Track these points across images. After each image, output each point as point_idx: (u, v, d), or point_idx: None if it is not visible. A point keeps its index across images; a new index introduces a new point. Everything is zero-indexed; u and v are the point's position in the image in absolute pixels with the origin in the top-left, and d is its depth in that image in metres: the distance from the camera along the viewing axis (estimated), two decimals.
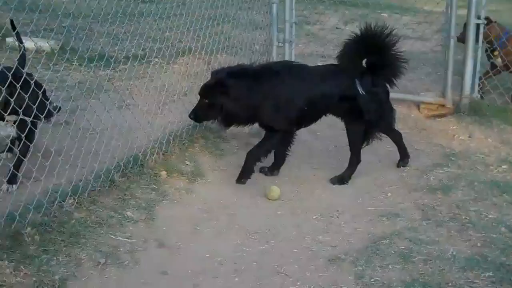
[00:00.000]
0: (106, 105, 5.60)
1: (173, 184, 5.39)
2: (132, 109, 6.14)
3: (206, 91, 5.35)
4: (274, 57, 7.65)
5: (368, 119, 5.50)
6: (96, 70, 6.78)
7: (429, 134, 6.84)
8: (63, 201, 4.66)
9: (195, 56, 7.66)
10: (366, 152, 5.89)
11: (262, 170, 5.74)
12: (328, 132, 6.62)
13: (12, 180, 4.83)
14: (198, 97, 5.46)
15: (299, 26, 10.61)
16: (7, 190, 4.80)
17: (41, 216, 4.42)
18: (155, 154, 5.54)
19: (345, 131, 5.67)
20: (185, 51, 7.62)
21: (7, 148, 5.14)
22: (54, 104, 4.73)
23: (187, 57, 7.77)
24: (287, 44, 7.67)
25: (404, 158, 5.98)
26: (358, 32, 5.45)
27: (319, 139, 6.59)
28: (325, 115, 5.71)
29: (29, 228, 4.28)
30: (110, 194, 5.00)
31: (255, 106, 5.31)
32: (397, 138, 5.96)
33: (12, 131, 4.77)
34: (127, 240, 4.57)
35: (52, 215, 4.51)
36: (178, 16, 7.42)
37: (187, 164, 5.70)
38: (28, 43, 5.62)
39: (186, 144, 5.95)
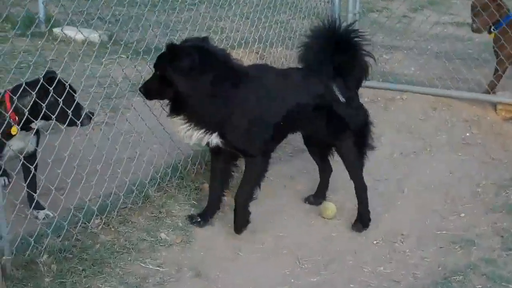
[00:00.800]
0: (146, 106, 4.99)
1: None
2: None
3: (160, 62, 4.15)
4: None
5: (355, 129, 4.56)
6: (142, 64, 6.18)
7: (506, 140, 6.02)
8: (87, 221, 4.12)
9: (249, 49, 7.06)
10: (434, 160, 5.20)
11: (307, 200, 4.96)
12: (392, 137, 5.94)
13: (38, 205, 4.27)
14: None
15: (364, 14, 9.87)
16: (45, 217, 4.24)
17: (60, 241, 3.91)
18: (197, 164, 4.94)
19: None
20: (240, 44, 6.98)
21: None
22: (87, 111, 4.15)
23: (240, 50, 7.18)
24: None
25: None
26: (322, 28, 4.61)
27: (383, 145, 5.89)
28: (292, 133, 4.71)
29: (45, 256, 3.77)
30: (143, 212, 4.45)
31: (219, 111, 4.13)
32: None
33: (33, 142, 4.21)
34: (158, 268, 4.01)
35: (74, 238, 3.99)
36: (234, 5, 6.86)
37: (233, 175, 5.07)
38: (76, 34, 5.12)
39: None
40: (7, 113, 3.94)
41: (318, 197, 4.92)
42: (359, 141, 4.60)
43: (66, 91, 4.07)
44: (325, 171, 4.90)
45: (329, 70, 4.44)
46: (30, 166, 4.02)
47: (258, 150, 4.30)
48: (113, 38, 4.87)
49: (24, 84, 3.94)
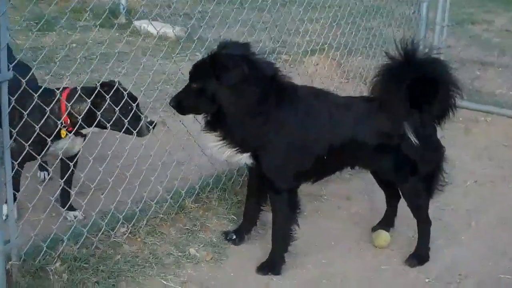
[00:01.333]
0: None
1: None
2: None
3: (196, 69, 3.76)
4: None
5: (425, 172, 4.00)
6: None
7: None
8: (111, 229, 3.84)
9: (325, 54, 6.67)
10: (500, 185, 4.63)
11: (374, 229, 4.44)
12: (469, 163, 5.40)
13: (70, 206, 4.12)
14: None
15: (460, 26, 9.28)
16: (76, 218, 4.07)
17: (78, 248, 3.63)
18: (243, 176, 4.58)
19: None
20: (320, 49, 6.57)
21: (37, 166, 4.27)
22: (149, 120, 3.93)
23: (316, 56, 6.79)
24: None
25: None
26: (402, 55, 3.89)
27: (457, 171, 5.36)
28: (340, 171, 4.22)
29: (58, 263, 3.50)
30: (176, 223, 4.15)
31: (258, 131, 3.70)
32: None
33: (79, 144, 4.00)
34: (179, 287, 3.68)
35: (93, 246, 3.71)
36: (327, 7, 6.48)
37: None
38: (150, 28, 4.88)
39: None
40: (62, 115, 3.77)
41: (385, 224, 4.43)
42: (428, 185, 4.06)
43: (124, 99, 3.82)
44: (393, 196, 4.38)
45: (402, 104, 3.81)
46: (70, 163, 3.85)
47: (285, 184, 3.83)
48: (186, 34, 4.65)
49: (80, 90, 3.78)
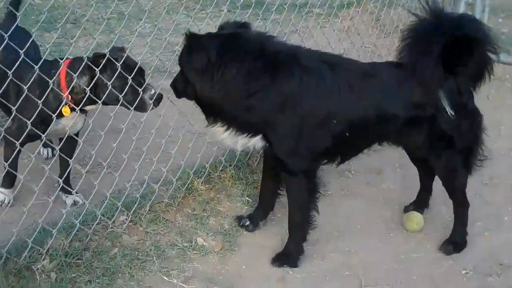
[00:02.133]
0: None
1: None
2: None
3: (180, 57, 3.39)
4: None
5: (462, 147, 3.54)
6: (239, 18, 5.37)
7: None
8: (109, 218, 3.48)
9: (365, 9, 6.10)
10: None
11: (406, 210, 3.98)
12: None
13: (67, 189, 3.74)
14: None
15: None
16: (77, 203, 3.72)
17: (70, 241, 3.28)
18: (260, 152, 4.14)
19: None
20: (353, 2, 6.03)
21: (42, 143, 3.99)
22: (152, 92, 3.48)
23: (351, 9, 6.21)
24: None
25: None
26: (430, 14, 3.38)
27: (502, 138, 4.83)
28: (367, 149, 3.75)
29: (46, 260, 3.16)
30: (184, 208, 3.77)
31: (258, 114, 3.29)
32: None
33: (80, 122, 3.64)
34: (183, 285, 3.31)
35: (87, 239, 3.35)
36: None
37: None
38: None
39: None
40: (63, 93, 3.40)
41: (419, 205, 3.98)
42: (466, 160, 3.60)
43: (134, 72, 3.44)
44: (427, 174, 3.91)
45: (436, 70, 3.32)
46: (75, 137, 3.58)
47: (300, 165, 3.39)
48: None
49: (81, 61, 3.39)
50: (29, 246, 3.13)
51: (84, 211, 3.41)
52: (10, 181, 3.65)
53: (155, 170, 3.78)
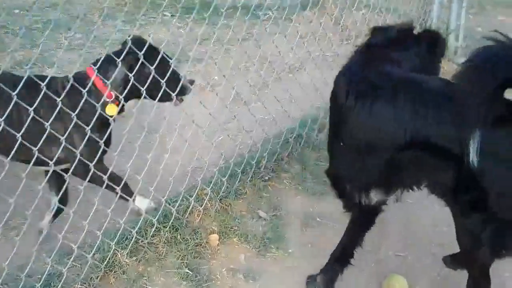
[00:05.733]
0: None
1: None
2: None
3: None
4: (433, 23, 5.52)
5: (495, 209, 2.75)
6: (191, 24, 4.76)
7: None
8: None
9: (323, 10, 5.65)
10: None
11: (445, 262, 3.44)
12: None
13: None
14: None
15: None
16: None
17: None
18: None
19: None
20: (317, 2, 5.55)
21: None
22: (189, 80, 3.41)
23: (313, 11, 5.66)
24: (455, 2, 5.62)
25: None
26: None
27: None
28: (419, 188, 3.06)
29: None
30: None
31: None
32: None
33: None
34: None
35: None
36: None
37: None
38: None
39: None
40: (103, 92, 3.18)
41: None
42: (498, 238, 2.80)
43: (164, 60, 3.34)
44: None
45: (486, 104, 2.61)
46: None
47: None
48: None
49: (108, 56, 3.23)
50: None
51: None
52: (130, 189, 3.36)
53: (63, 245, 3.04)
